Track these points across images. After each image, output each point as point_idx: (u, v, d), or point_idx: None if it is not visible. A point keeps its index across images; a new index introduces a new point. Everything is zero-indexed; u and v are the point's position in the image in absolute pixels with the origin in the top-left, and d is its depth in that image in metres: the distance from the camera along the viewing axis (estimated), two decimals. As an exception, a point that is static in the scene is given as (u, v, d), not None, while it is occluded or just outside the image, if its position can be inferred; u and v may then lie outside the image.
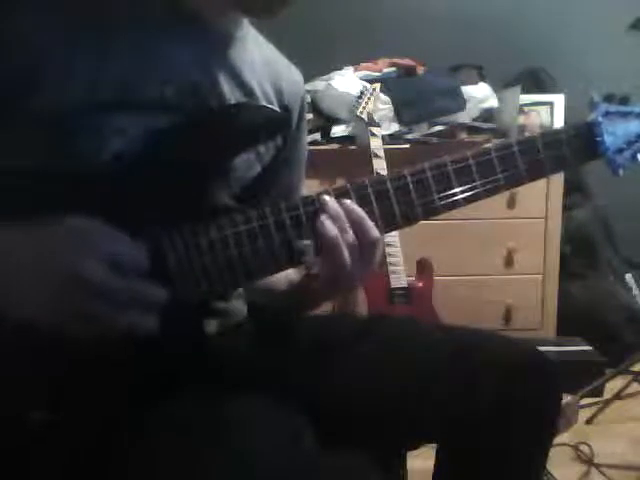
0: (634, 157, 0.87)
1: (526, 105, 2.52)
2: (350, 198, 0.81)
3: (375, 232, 0.80)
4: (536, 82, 2.67)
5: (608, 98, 0.88)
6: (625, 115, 0.87)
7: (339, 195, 0.81)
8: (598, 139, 0.86)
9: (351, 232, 0.79)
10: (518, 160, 0.84)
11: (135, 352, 0.72)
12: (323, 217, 0.79)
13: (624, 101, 0.88)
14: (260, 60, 0.95)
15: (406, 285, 2.14)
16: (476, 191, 0.84)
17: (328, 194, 0.80)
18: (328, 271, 0.81)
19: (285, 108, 0.98)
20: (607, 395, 2.11)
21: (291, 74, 1.01)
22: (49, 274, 0.67)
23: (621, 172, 0.87)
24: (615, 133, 0.86)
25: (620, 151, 0.86)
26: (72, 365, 0.73)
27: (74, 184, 0.76)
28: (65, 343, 0.69)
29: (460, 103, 2.45)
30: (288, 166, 1.02)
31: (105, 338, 0.69)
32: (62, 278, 0.67)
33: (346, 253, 0.78)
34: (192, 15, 0.86)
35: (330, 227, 0.78)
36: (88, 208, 0.74)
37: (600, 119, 0.86)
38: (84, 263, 0.67)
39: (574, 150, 0.86)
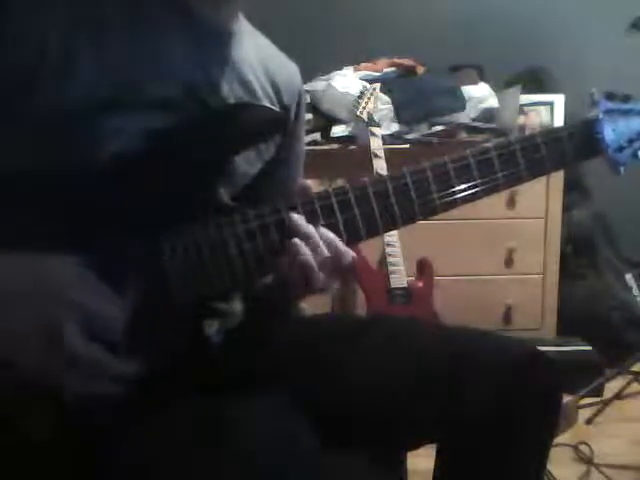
0: (635, 155, 0.87)
1: (526, 105, 2.52)
2: (349, 198, 0.81)
3: (347, 256, 0.80)
4: (536, 82, 2.67)
5: (609, 96, 0.88)
6: (626, 113, 0.87)
7: (339, 194, 0.81)
8: (599, 136, 0.86)
9: (323, 248, 0.79)
10: (518, 158, 0.84)
11: (135, 352, 0.72)
12: (295, 239, 0.78)
13: (625, 99, 0.88)
14: (257, 55, 0.95)
15: (406, 285, 2.14)
16: (476, 190, 0.84)
17: (298, 212, 0.79)
18: (297, 285, 0.81)
19: (284, 107, 0.98)
20: (607, 395, 2.11)
21: (288, 69, 1.01)
22: (24, 329, 0.67)
23: (622, 170, 0.87)
24: (616, 131, 0.86)
25: (621, 149, 0.86)
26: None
27: (73, 184, 0.76)
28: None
29: (460, 103, 2.45)
30: (287, 162, 1.02)
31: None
32: (37, 330, 0.67)
33: (316, 272, 0.78)
34: (189, 12, 0.86)
35: (302, 249, 0.78)
36: (87, 208, 0.74)
37: (601, 116, 0.86)
38: (62, 325, 0.67)
39: (574, 147, 0.86)
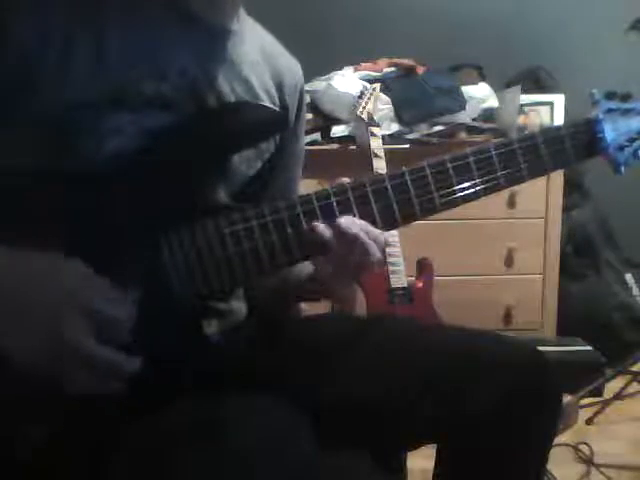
0: (635, 154, 0.87)
1: (526, 105, 2.52)
2: (349, 197, 0.81)
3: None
4: (536, 82, 2.67)
5: (609, 95, 0.88)
6: (627, 112, 0.87)
7: (338, 193, 0.81)
8: (599, 136, 0.86)
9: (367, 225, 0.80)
10: (518, 157, 0.84)
11: (135, 352, 0.72)
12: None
13: (625, 98, 0.88)
14: (261, 54, 0.95)
15: (406, 285, 2.14)
16: (476, 189, 0.84)
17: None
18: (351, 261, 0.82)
19: (284, 106, 0.98)
20: (607, 395, 2.11)
21: (291, 67, 1.01)
22: (34, 320, 0.67)
23: (623, 169, 0.87)
24: (616, 130, 0.86)
25: (621, 148, 0.86)
26: None
27: (71, 184, 0.76)
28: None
29: (460, 103, 2.45)
30: (287, 161, 1.02)
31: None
32: (51, 344, 0.67)
33: (371, 244, 0.80)
34: (188, 11, 0.86)
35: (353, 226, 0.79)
36: (86, 208, 0.74)
37: (601, 116, 0.86)
38: (76, 330, 0.67)
39: (575, 147, 0.86)
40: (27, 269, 0.69)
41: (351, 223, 0.79)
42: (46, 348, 0.67)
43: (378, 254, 0.80)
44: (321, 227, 0.79)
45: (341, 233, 0.79)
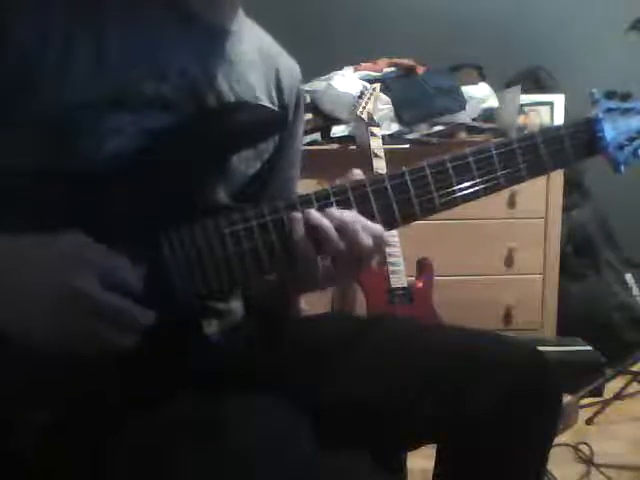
0: (635, 154, 0.87)
1: (526, 105, 2.52)
2: (349, 197, 0.80)
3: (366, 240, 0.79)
4: (536, 82, 2.67)
5: (609, 94, 0.88)
6: (626, 111, 0.87)
7: (338, 193, 0.80)
8: (599, 135, 0.86)
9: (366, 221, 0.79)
10: (518, 157, 0.84)
11: (135, 352, 0.72)
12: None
13: (625, 98, 0.88)
14: (257, 53, 0.95)
15: (406, 285, 2.14)
16: (476, 189, 0.83)
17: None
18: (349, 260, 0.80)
19: (284, 106, 0.98)
20: (607, 395, 2.11)
21: (290, 67, 1.01)
22: (47, 291, 0.67)
23: (622, 169, 0.87)
24: (616, 129, 0.86)
25: (621, 147, 0.86)
26: (71, 369, 0.73)
27: (71, 184, 0.76)
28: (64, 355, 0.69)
29: (460, 103, 2.45)
30: (286, 162, 1.02)
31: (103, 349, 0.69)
32: (60, 294, 0.67)
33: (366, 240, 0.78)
34: (188, 11, 0.86)
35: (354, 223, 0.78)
36: (86, 208, 0.74)
37: (601, 115, 0.86)
38: (81, 279, 0.67)
39: (575, 146, 0.86)
40: (27, 261, 0.69)
41: (349, 217, 0.79)
42: (56, 312, 0.67)
43: (371, 243, 0.79)
44: (318, 217, 0.78)
45: (339, 226, 0.78)
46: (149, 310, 0.70)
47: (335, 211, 0.79)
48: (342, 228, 0.78)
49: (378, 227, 0.80)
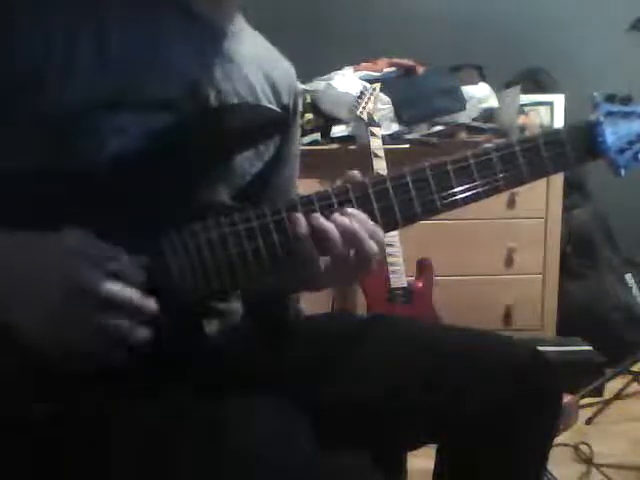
0: (636, 157, 0.87)
1: (526, 105, 2.52)
2: (350, 198, 0.80)
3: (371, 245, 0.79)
4: (536, 82, 2.67)
5: (610, 98, 0.88)
6: (627, 115, 0.87)
7: (339, 194, 0.80)
8: (599, 139, 0.86)
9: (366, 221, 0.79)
10: (519, 160, 0.84)
11: (134, 352, 0.72)
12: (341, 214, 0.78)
13: (626, 101, 0.88)
14: (255, 55, 0.95)
15: (406, 285, 2.14)
16: (476, 191, 0.84)
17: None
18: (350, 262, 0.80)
19: (284, 107, 0.98)
20: (607, 395, 2.11)
21: (285, 68, 1.01)
22: (52, 288, 0.67)
23: (623, 172, 0.87)
24: (617, 133, 0.86)
25: (622, 151, 0.86)
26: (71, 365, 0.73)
27: (73, 184, 0.76)
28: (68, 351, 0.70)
29: (460, 103, 2.45)
30: (286, 162, 1.02)
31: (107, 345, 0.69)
32: (65, 290, 0.67)
33: (368, 241, 0.78)
34: (189, 10, 0.86)
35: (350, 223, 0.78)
36: (87, 208, 0.74)
37: (602, 119, 0.86)
38: (86, 274, 0.68)
39: (575, 150, 0.86)
40: (24, 245, 0.70)
41: (349, 219, 0.79)
42: (50, 318, 0.67)
43: (376, 250, 0.79)
44: (323, 222, 0.78)
45: (345, 233, 0.78)
46: (152, 299, 0.71)
47: (341, 218, 0.78)
48: (349, 235, 0.78)
49: (380, 231, 0.80)
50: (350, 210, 0.79)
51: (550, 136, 0.85)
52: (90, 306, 0.68)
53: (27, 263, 0.69)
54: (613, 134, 0.86)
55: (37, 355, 0.69)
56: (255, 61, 0.94)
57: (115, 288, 0.69)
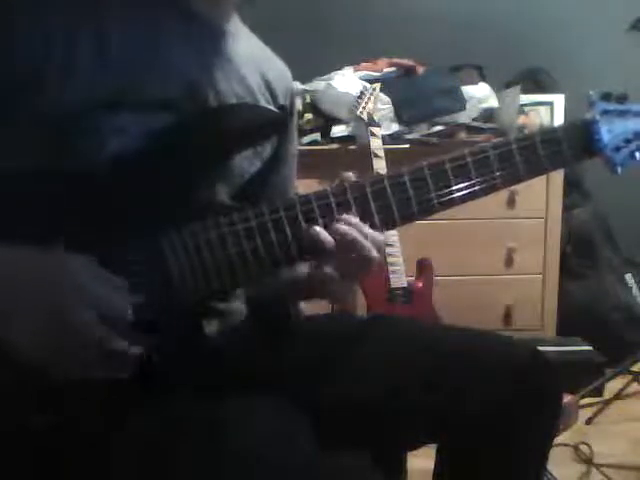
0: (632, 155, 0.87)
1: (526, 105, 2.52)
2: (348, 198, 0.81)
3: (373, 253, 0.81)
4: (536, 82, 2.67)
5: (606, 96, 0.88)
6: (623, 113, 0.87)
7: (337, 194, 0.81)
8: (595, 137, 0.86)
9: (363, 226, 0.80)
10: (516, 158, 0.84)
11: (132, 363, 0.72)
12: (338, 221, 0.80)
13: (622, 99, 0.88)
14: (250, 55, 0.95)
15: (406, 285, 2.14)
16: (474, 189, 0.84)
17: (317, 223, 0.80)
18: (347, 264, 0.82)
19: (281, 107, 0.98)
20: (607, 395, 2.11)
21: (280, 69, 1.01)
22: (38, 309, 0.67)
23: (619, 170, 0.87)
24: (613, 131, 0.86)
25: (618, 149, 0.86)
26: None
27: (73, 184, 0.76)
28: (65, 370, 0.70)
29: (460, 103, 2.45)
30: (284, 162, 1.02)
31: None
32: (50, 316, 0.67)
33: (367, 243, 0.80)
34: (188, 10, 0.86)
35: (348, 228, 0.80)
36: (87, 208, 0.74)
37: (598, 117, 0.86)
38: (73, 307, 0.67)
39: (572, 148, 0.86)
40: (27, 264, 0.69)
41: (348, 228, 0.79)
42: (48, 334, 0.67)
43: (376, 254, 0.80)
44: (322, 234, 0.79)
45: (339, 237, 0.79)
46: (138, 346, 0.70)
47: (342, 227, 0.79)
48: (348, 245, 0.79)
49: (380, 235, 0.80)
50: (348, 217, 0.80)
51: (547, 134, 0.86)
52: (68, 338, 0.68)
53: (27, 281, 0.68)
54: (609, 132, 0.86)
55: (35, 370, 0.69)
56: (252, 61, 0.95)
57: (104, 335, 0.68)
